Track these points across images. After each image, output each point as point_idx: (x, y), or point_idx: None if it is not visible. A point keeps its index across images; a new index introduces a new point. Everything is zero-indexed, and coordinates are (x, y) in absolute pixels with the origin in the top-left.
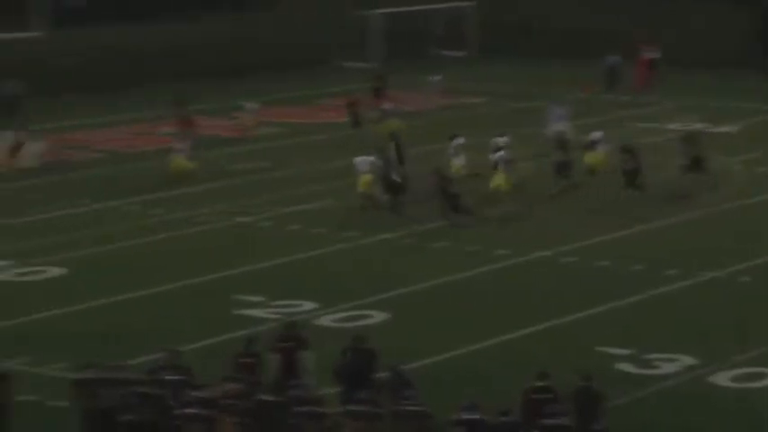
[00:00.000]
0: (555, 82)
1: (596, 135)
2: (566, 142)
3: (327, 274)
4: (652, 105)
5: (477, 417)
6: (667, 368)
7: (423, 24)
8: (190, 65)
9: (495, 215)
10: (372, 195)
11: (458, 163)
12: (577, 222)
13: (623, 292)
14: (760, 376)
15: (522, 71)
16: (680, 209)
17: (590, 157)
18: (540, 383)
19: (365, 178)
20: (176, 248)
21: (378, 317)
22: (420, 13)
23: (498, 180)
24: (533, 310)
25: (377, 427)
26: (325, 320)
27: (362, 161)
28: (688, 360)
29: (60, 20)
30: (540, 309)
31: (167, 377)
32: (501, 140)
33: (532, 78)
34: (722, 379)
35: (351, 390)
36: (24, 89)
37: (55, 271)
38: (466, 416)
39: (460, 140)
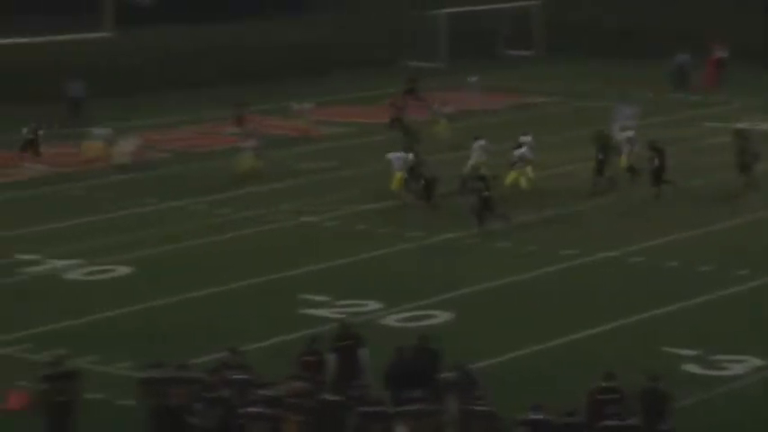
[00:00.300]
0: (622, 81)
1: (629, 134)
2: (607, 141)
3: (392, 273)
4: (720, 104)
5: (542, 417)
6: (735, 369)
7: (489, 24)
8: (257, 65)
9: (532, 218)
10: (402, 193)
11: (472, 163)
12: (638, 224)
13: (691, 292)
14: None
15: (588, 70)
16: (742, 209)
17: (623, 159)
18: (606, 384)
19: (398, 176)
20: (242, 248)
21: (442, 317)
22: (486, 13)
23: (512, 178)
24: (599, 310)
25: (430, 425)
26: (390, 320)
27: (396, 158)
28: (756, 361)
29: (127, 20)
30: (606, 309)
31: (231, 376)
32: (525, 139)
33: (599, 78)
34: None
35: (407, 389)
36: (87, 90)
37: (122, 270)
38: (531, 416)
39: (481, 142)
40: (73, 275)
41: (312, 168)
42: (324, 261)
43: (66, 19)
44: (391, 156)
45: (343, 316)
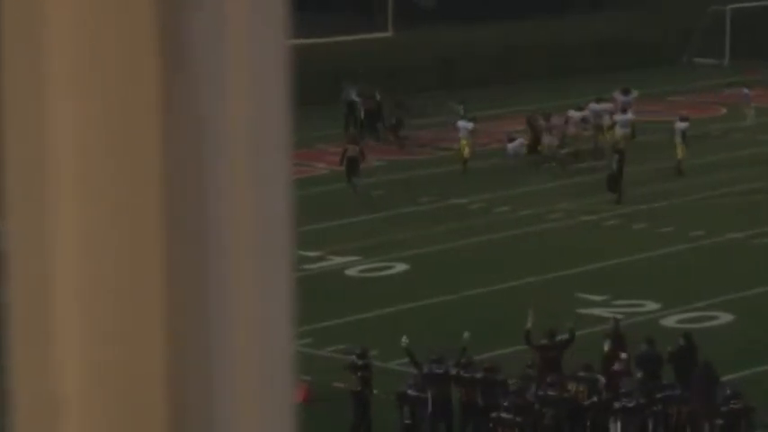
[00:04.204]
0: None
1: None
2: None
3: (671, 274)
4: None
5: None
6: None
7: None
8: (545, 63)
9: None
10: (466, 160)
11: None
12: None
13: None
14: None
15: None
16: None
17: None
18: None
19: (463, 143)
20: (519, 246)
21: (723, 318)
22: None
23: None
24: None
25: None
26: (669, 321)
27: (464, 126)
28: None
29: (408, 20)
30: None
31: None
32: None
33: None
34: None
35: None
36: (360, 92)
37: (399, 267)
38: None
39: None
40: (351, 272)
41: (589, 167)
42: (602, 260)
43: (349, 19)
44: (460, 123)
45: (623, 317)
